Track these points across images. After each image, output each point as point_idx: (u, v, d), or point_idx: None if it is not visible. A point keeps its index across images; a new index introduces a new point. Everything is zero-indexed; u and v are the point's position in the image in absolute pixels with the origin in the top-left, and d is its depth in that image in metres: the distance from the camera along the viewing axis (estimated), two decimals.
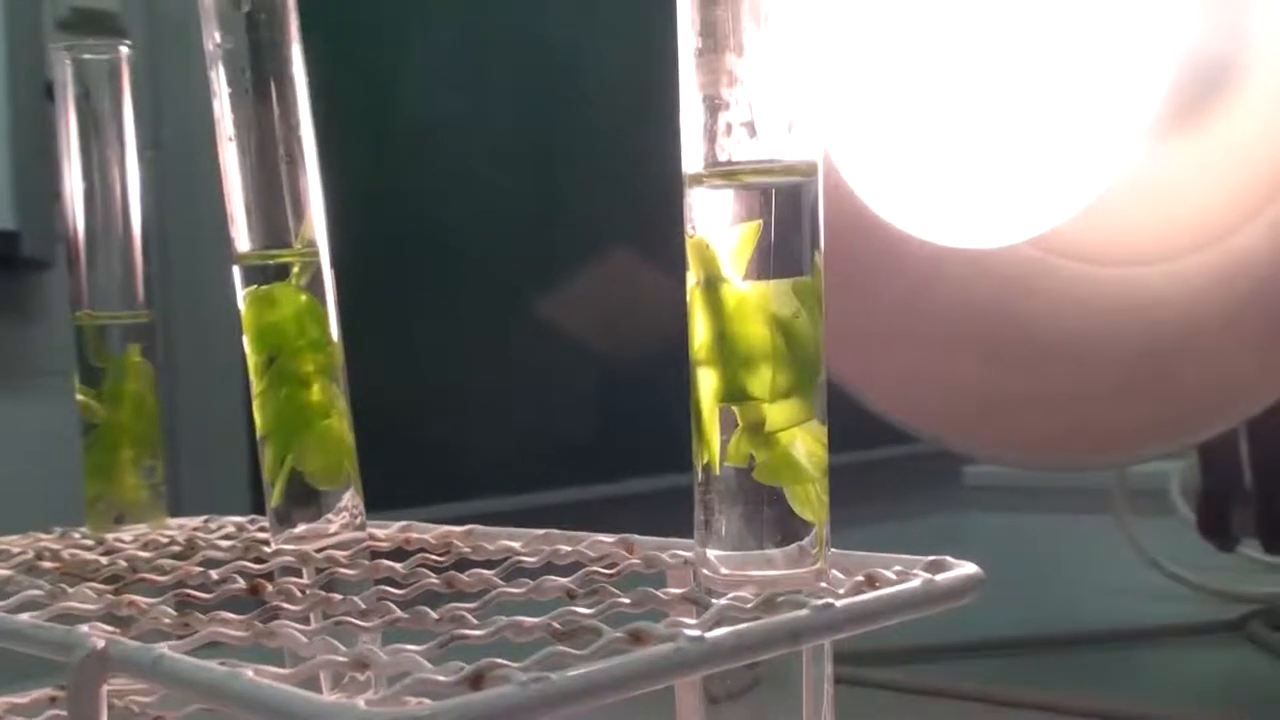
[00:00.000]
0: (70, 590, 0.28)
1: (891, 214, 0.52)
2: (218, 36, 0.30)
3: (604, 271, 0.88)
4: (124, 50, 0.39)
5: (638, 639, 0.21)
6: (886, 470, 0.91)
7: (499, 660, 0.19)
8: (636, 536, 0.30)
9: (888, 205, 0.52)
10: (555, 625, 0.22)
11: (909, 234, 0.52)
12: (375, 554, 0.31)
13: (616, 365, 0.88)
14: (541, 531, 0.31)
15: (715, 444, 0.24)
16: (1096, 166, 0.48)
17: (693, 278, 0.24)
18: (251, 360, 0.31)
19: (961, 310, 0.55)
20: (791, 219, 0.24)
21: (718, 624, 0.22)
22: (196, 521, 0.38)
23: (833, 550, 0.25)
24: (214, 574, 0.29)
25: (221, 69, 0.30)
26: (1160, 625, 0.58)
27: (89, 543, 0.35)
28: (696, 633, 0.21)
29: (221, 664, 0.21)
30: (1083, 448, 0.56)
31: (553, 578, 0.27)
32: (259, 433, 0.31)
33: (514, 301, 0.86)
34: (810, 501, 0.24)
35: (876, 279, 0.55)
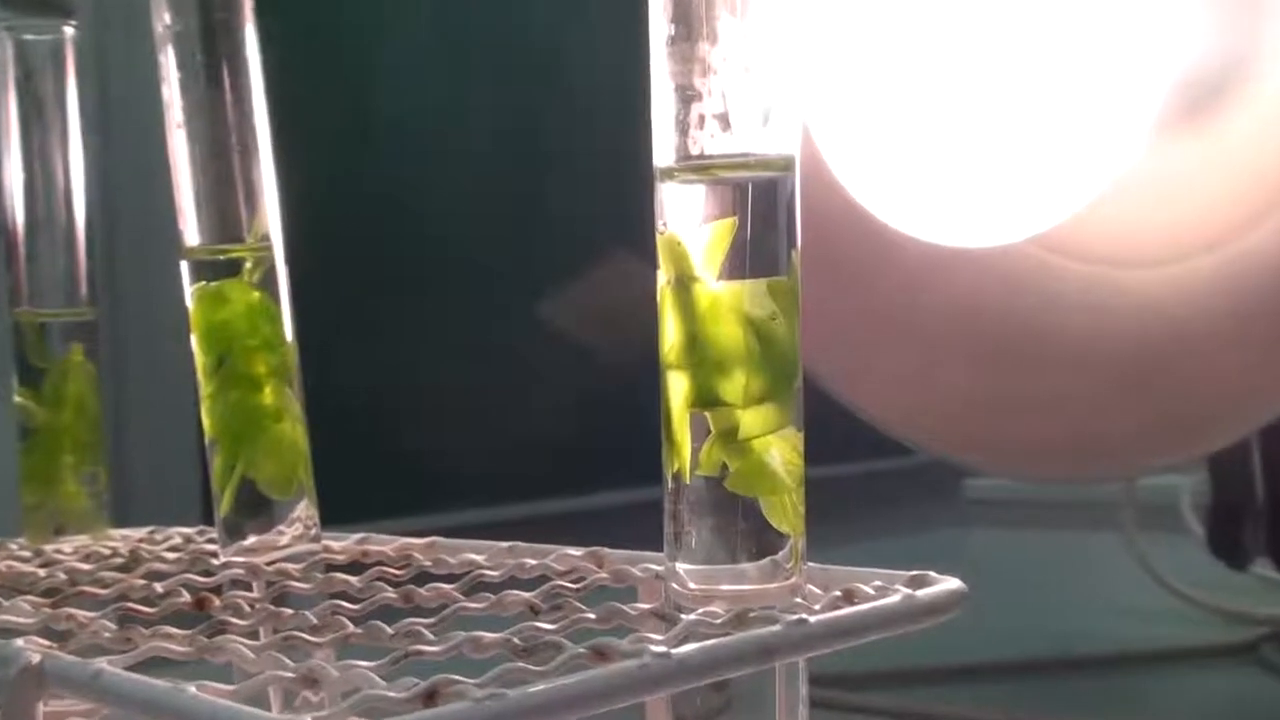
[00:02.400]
0: (5, 603, 0.28)
1: (883, 211, 0.52)
2: (167, 17, 0.31)
3: (582, 271, 0.89)
4: (69, 30, 0.39)
5: (601, 655, 0.21)
6: (880, 484, 0.92)
7: (454, 677, 0.20)
8: (606, 550, 0.30)
9: (879, 202, 0.52)
10: (515, 641, 0.23)
11: (902, 232, 0.53)
12: (330, 567, 0.32)
13: (594, 371, 0.89)
14: (506, 544, 0.32)
15: (686, 452, 0.24)
16: (1100, 162, 0.49)
17: (663, 277, 0.24)
18: (200, 361, 0.31)
19: (958, 313, 0.56)
20: (767, 216, 0.24)
21: (685, 640, 0.22)
22: (141, 532, 0.38)
23: (810, 565, 0.26)
24: (158, 587, 0.29)
25: (171, 51, 0.31)
26: (1169, 648, 0.59)
27: (26, 554, 0.36)
28: (662, 649, 0.21)
29: (165, 681, 0.21)
30: (1087, 459, 0.57)
31: (515, 592, 0.27)
32: (207, 438, 0.31)
33: (484, 301, 0.86)
34: (786, 513, 0.24)
35: (867, 279, 0.55)
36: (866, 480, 0.91)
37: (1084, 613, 0.69)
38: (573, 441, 0.88)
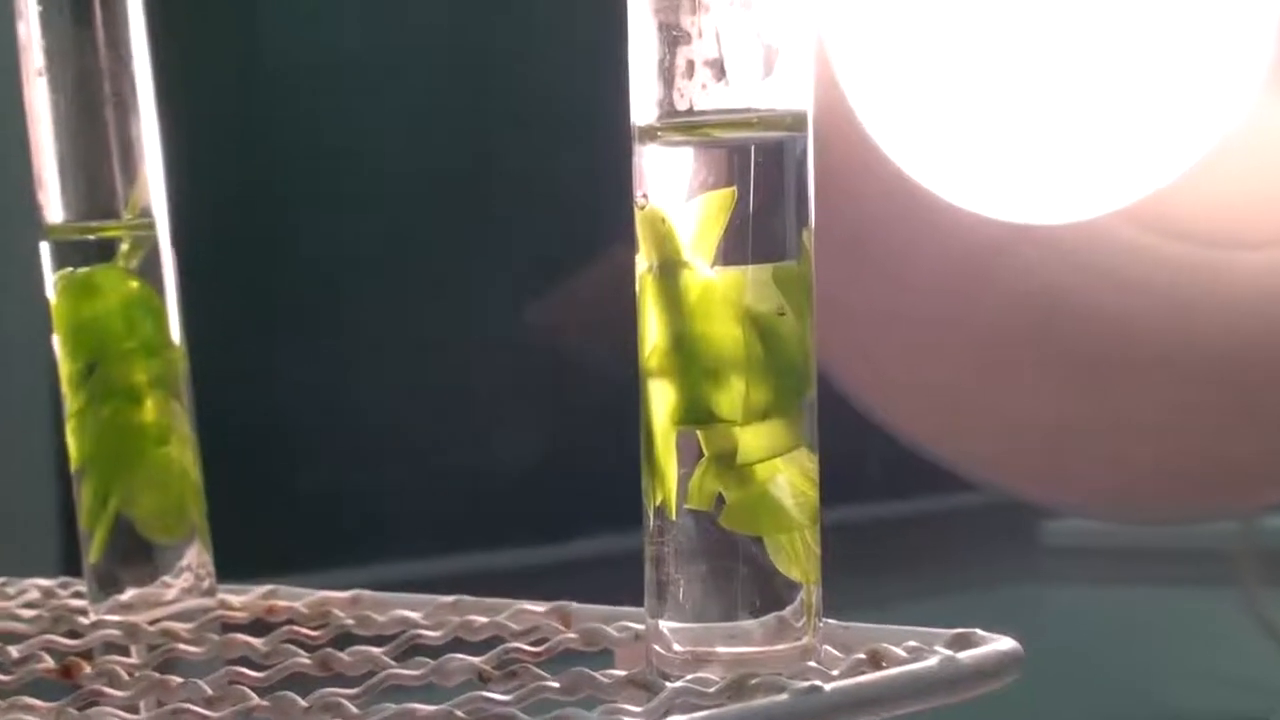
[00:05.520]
0: None
1: (932, 179, 0.53)
2: None
3: (543, 259, 0.89)
4: None
5: None
6: (934, 527, 0.92)
7: None
8: (574, 604, 0.31)
9: (927, 168, 0.53)
10: (458, 714, 0.24)
11: (956, 206, 0.53)
12: (228, 627, 0.32)
13: (560, 388, 0.89)
14: (450, 598, 0.32)
15: (671, 480, 0.25)
16: (1200, 122, 0.50)
17: (644, 262, 0.25)
18: (65, 368, 0.32)
19: (1027, 307, 0.57)
20: (773, 186, 0.25)
21: (669, 712, 0.23)
22: None
23: (828, 622, 0.27)
24: (14, 651, 0.30)
25: None
26: None
27: None
28: None
29: None
30: (1194, 493, 0.57)
31: (460, 656, 0.28)
32: (74, 465, 0.32)
33: (424, 298, 0.87)
34: (796, 556, 0.25)
35: (910, 266, 0.56)
36: (915, 523, 0.92)
37: (1190, 684, 0.70)
38: (533, 477, 0.88)
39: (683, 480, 0.25)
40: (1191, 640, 0.80)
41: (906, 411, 0.57)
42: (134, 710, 0.27)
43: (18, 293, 0.67)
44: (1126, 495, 0.58)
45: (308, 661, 0.29)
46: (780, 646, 0.25)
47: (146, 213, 0.32)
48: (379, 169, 0.86)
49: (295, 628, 0.31)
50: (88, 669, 0.29)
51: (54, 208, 0.32)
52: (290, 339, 0.83)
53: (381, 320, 0.85)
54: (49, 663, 0.29)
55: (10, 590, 0.38)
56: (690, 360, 0.25)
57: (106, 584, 0.32)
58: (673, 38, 0.24)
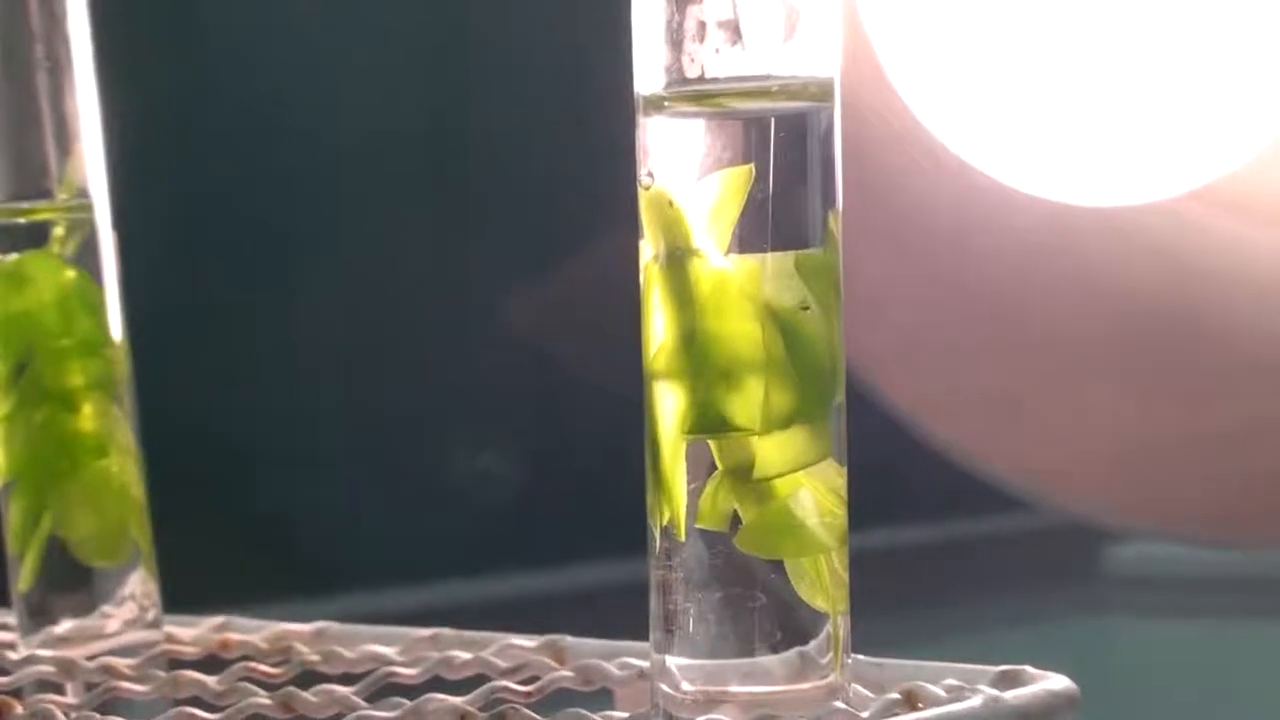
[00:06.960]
0: None
1: (984, 159, 0.53)
2: None
3: (533, 247, 0.89)
4: None
5: None
6: (987, 552, 0.93)
7: None
8: (569, 638, 0.31)
9: (977, 147, 0.53)
10: None
11: (1010, 187, 0.54)
12: (176, 663, 0.33)
13: (552, 393, 0.89)
14: (428, 632, 0.33)
15: (680, 497, 0.25)
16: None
17: (649, 250, 0.26)
18: None
19: (1093, 301, 0.57)
20: (795, 164, 0.25)
21: None
22: None
23: (857, 658, 0.27)
24: None
25: None
26: None
27: None
28: None
29: None
30: None
31: (440, 696, 0.28)
32: (2, 479, 0.32)
33: (395, 290, 0.87)
34: (822, 582, 0.25)
35: (958, 254, 0.56)
36: (960, 547, 0.92)
37: None
38: (522, 493, 0.89)
39: (693, 497, 0.25)
40: (1277, 683, 0.80)
41: (951, 420, 0.57)
42: None
43: None
44: (1204, 516, 0.58)
45: (267, 702, 0.29)
46: (803, 685, 0.25)
47: (83, 193, 0.32)
48: (346, 145, 0.86)
49: (252, 664, 0.32)
50: (18, 709, 0.29)
51: None
52: (246, 337, 0.83)
53: (350, 318, 0.85)
54: None
55: None
56: (702, 361, 0.25)
57: (38, 614, 0.32)
58: None
